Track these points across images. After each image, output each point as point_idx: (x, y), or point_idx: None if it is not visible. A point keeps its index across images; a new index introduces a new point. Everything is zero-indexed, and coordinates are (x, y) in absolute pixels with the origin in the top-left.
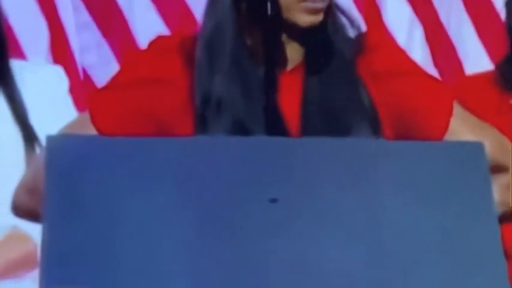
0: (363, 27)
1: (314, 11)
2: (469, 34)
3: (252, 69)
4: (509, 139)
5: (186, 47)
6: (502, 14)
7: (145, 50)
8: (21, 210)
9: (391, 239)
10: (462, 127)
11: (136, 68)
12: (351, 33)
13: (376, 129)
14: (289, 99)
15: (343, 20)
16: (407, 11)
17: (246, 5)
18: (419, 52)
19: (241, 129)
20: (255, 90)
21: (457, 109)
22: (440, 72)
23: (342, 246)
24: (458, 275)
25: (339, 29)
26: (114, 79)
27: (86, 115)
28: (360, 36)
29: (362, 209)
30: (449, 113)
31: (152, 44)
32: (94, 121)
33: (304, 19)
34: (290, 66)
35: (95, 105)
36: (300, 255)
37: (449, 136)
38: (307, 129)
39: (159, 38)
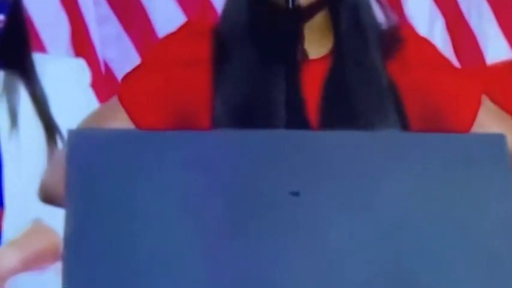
0: (396, 20)
1: None
2: (490, 25)
3: (271, 57)
4: None
5: (217, 32)
6: None
7: (176, 32)
8: (47, 195)
9: (414, 231)
10: (489, 120)
11: (165, 50)
12: (384, 25)
13: (401, 124)
14: (311, 90)
15: (378, 11)
16: (428, 2)
17: None
18: (440, 43)
19: (260, 120)
20: (275, 80)
21: (484, 102)
22: (462, 64)
23: (365, 240)
24: (477, 270)
25: (371, 18)
26: (144, 61)
27: (116, 98)
28: (393, 28)
29: (385, 202)
30: (477, 106)
31: (184, 26)
32: (123, 103)
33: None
34: (316, 55)
35: (125, 87)
36: (322, 248)
37: (476, 128)
38: (327, 122)
39: (191, 21)
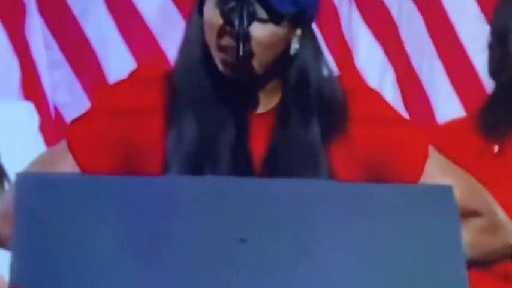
0: (337, 72)
1: (228, 63)
2: (441, 79)
3: (222, 108)
4: (491, 187)
5: (169, 80)
6: (476, 60)
7: (127, 79)
8: None
9: (359, 280)
10: (437, 171)
11: (115, 96)
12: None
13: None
14: (257, 143)
15: (322, 64)
16: (379, 54)
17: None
18: (390, 96)
19: (207, 168)
20: (223, 130)
21: (432, 153)
22: (412, 117)
23: (309, 286)
24: None
25: (318, 77)
26: (93, 107)
27: (64, 143)
28: (334, 80)
29: (330, 249)
30: (425, 157)
31: (134, 73)
32: (71, 148)
33: (225, 72)
34: (263, 109)
35: (73, 132)
36: None
37: (424, 179)
38: (270, 174)
39: (141, 68)
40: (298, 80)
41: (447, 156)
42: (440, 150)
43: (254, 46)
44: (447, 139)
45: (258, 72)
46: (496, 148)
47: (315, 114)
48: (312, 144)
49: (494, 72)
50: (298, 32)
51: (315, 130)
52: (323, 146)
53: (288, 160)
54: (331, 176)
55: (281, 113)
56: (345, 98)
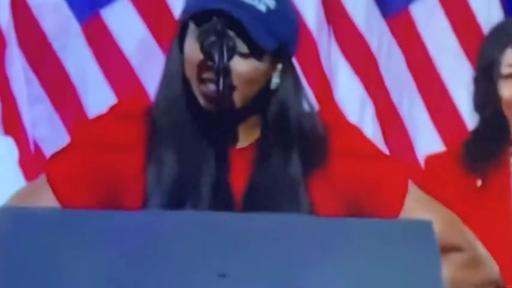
0: (317, 106)
1: (209, 97)
2: (420, 114)
3: (202, 143)
4: (473, 220)
5: (149, 115)
6: (456, 95)
7: (106, 114)
8: None
9: None
10: (417, 206)
11: (94, 131)
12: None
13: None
14: (237, 178)
15: (302, 98)
16: (359, 89)
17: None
18: (370, 131)
19: (187, 203)
20: (204, 165)
21: (412, 188)
22: (391, 151)
23: None
24: None
25: (298, 111)
26: (73, 141)
27: (43, 177)
28: (315, 115)
29: (310, 284)
30: (405, 192)
31: (114, 108)
32: (50, 182)
33: (206, 106)
34: (242, 144)
35: (52, 166)
36: None
37: (404, 214)
38: (250, 208)
39: (121, 103)
40: (278, 114)
41: (430, 189)
42: (423, 183)
43: (235, 80)
44: (430, 172)
45: (239, 106)
46: (479, 182)
47: (295, 149)
48: (292, 178)
49: (478, 106)
50: (279, 66)
51: (295, 165)
52: (303, 180)
53: (268, 194)
54: (311, 209)
55: (261, 148)
56: (325, 133)
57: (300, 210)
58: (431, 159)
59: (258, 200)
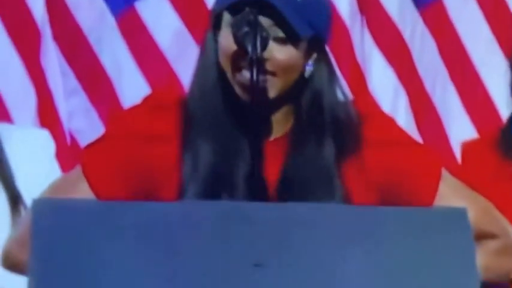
0: (350, 95)
1: (244, 86)
2: (453, 102)
3: (237, 134)
4: (509, 207)
5: (184, 106)
6: (488, 83)
7: (140, 105)
8: (10, 261)
9: None
10: (451, 193)
11: (129, 122)
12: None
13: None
14: (271, 170)
15: (336, 87)
16: (392, 78)
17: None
18: (403, 120)
19: (223, 194)
20: (239, 156)
21: (445, 176)
22: (425, 140)
23: None
24: None
25: (332, 100)
26: (107, 133)
27: (79, 168)
28: (349, 104)
29: (345, 273)
30: (438, 180)
31: (147, 99)
32: (86, 173)
33: (242, 95)
34: (276, 134)
35: (87, 157)
36: None
37: (438, 202)
38: (283, 201)
39: (155, 94)
40: (312, 103)
41: (466, 175)
42: (459, 170)
43: (275, 68)
44: (466, 159)
45: (275, 94)
46: None
47: (329, 137)
48: (327, 166)
49: None
50: (314, 55)
51: (329, 152)
52: (337, 168)
53: (302, 183)
54: (346, 197)
55: (295, 137)
56: (358, 120)
57: (335, 198)
58: (467, 146)
59: (292, 188)
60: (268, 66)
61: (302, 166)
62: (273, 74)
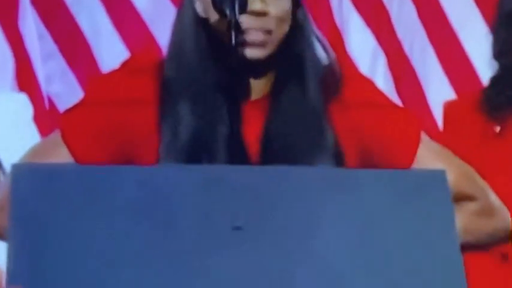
0: (335, 58)
1: (254, 44)
2: (432, 64)
3: (215, 96)
4: (492, 167)
5: (160, 69)
6: (467, 44)
7: (119, 69)
8: None
9: (354, 266)
10: (430, 156)
11: (108, 86)
12: (325, 62)
13: (338, 164)
14: (252, 130)
15: (318, 50)
16: (370, 40)
17: (209, 35)
18: (382, 81)
19: (203, 156)
20: (218, 119)
21: (424, 139)
22: (404, 102)
23: (306, 274)
24: None
25: (312, 60)
26: (86, 97)
27: (58, 133)
28: (332, 67)
29: (324, 236)
30: (417, 143)
31: (126, 63)
32: (65, 138)
33: (247, 52)
34: (256, 95)
35: (66, 122)
36: (263, 281)
37: (416, 165)
38: (266, 161)
39: (134, 58)
40: (293, 58)
41: (448, 134)
42: (440, 128)
43: (271, 25)
44: (448, 118)
45: (271, 51)
46: (497, 128)
47: (312, 80)
48: (313, 108)
49: (498, 54)
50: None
51: (315, 97)
52: (324, 109)
53: (286, 137)
54: (335, 140)
55: (276, 94)
56: (341, 78)
57: (325, 140)
58: (449, 106)
59: (275, 145)
60: (264, 24)
61: (285, 120)
62: (269, 32)
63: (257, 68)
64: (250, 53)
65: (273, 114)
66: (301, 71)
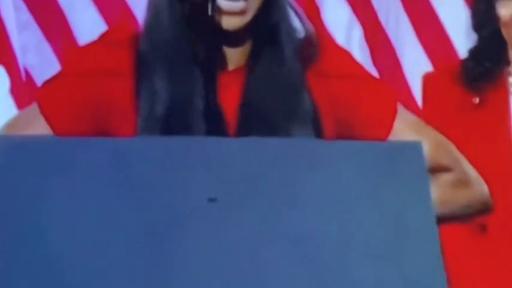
0: (313, 29)
1: (232, 13)
2: (407, 34)
3: (191, 67)
4: (469, 138)
5: (137, 41)
6: (442, 15)
7: (96, 41)
8: None
9: (327, 241)
10: (406, 128)
11: (85, 58)
12: (301, 34)
13: (317, 134)
14: (229, 100)
15: (294, 21)
16: (346, 11)
17: (186, 5)
18: (358, 52)
19: (180, 128)
20: (194, 90)
21: (400, 110)
22: (380, 72)
23: (280, 247)
24: (396, 277)
25: (288, 30)
26: (64, 69)
27: (35, 105)
28: (309, 37)
29: (300, 209)
30: (393, 114)
31: (103, 35)
32: (43, 110)
33: (225, 21)
34: (233, 66)
35: (44, 94)
36: (237, 253)
37: (392, 137)
38: (244, 131)
39: (111, 30)
40: (269, 27)
41: (427, 106)
42: (416, 101)
43: None
44: (427, 89)
45: (247, 20)
46: (476, 100)
47: (289, 49)
48: (291, 77)
49: (477, 26)
50: None
51: (291, 63)
52: (302, 79)
53: (263, 104)
54: (314, 109)
55: (252, 64)
56: (317, 50)
57: (303, 110)
58: (428, 77)
59: (252, 112)
60: None
61: (262, 89)
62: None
63: (233, 37)
64: (227, 22)
65: (250, 84)
66: (278, 40)
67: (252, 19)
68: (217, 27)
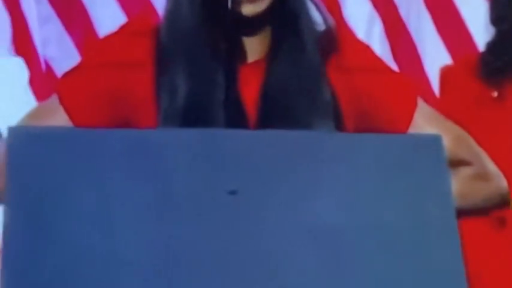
0: (333, 22)
1: (249, 0)
2: (428, 29)
3: (212, 59)
4: (487, 132)
5: (157, 33)
6: (463, 10)
7: (117, 32)
8: None
9: (347, 233)
10: (425, 121)
11: (105, 50)
12: (321, 27)
13: (338, 126)
14: (249, 92)
15: (315, 13)
16: (367, 6)
17: None
18: (378, 46)
19: (200, 120)
20: (215, 83)
21: (420, 104)
22: (400, 66)
23: (300, 240)
24: (415, 271)
25: (308, 22)
26: (84, 61)
27: (55, 97)
28: (330, 31)
29: (320, 202)
30: (413, 108)
31: (124, 26)
32: (63, 102)
33: (244, 8)
34: (252, 58)
35: (64, 85)
36: (258, 246)
37: (412, 130)
38: (264, 123)
39: (131, 22)
40: (288, 16)
41: (445, 99)
42: (436, 94)
43: None
44: (445, 83)
45: (266, 5)
46: (495, 93)
47: (310, 41)
48: (312, 69)
49: (496, 19)
50: None
51: (312, 55)
52: (323, 71)
53: (284, 95)
54: (335, 101)
55: (273, 56)
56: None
57: (324, 102)
58: (446, 71)
59: (273, 104)
60: None
61: (283, 81)
62: None
63: (252, 24)
64: (246, 9)
65: (270, 76)
66: (298, 32)
67: (270, 5)
68: (237, 15)
